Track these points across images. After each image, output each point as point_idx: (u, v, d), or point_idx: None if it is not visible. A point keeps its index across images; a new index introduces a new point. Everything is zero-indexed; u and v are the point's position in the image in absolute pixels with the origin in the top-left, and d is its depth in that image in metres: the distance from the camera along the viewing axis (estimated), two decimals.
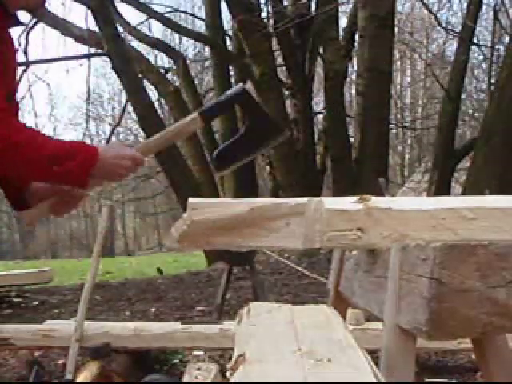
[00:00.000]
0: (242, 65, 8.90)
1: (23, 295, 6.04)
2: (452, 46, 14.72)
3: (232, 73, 9.84)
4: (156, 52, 14.91)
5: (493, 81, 8.93)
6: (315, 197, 1.17)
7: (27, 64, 9.43)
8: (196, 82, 11.89)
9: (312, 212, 1.13)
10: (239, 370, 1.01)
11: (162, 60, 16.30)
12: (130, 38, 9.88)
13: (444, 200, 1.22)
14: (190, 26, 13.80)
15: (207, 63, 12.81)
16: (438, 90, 14.12)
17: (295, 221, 1.14)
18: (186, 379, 2.76)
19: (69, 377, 3.00)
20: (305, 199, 1.16)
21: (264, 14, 9.35)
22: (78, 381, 2.94)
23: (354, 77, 11.00)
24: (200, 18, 11.90)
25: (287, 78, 9.57)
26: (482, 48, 10.39)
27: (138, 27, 10.24)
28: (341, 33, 9.28)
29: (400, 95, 19.01)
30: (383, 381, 0.99)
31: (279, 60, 9.77)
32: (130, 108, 11.38)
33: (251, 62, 8.41)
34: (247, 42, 8.28)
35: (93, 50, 9.90)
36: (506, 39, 9.45)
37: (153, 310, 5.21)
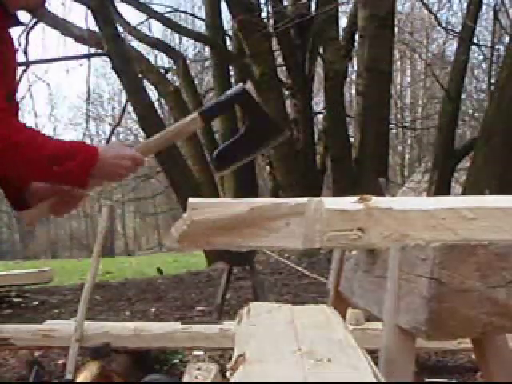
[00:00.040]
0: (242, 65, 8.90)
1: (23, 295, 6.04)
2: (452, 46, 14.74)
3: (232, 73, 9.84)
4: (156, 52, 14.92)
5: (493, 81, 8.93)
6: (315, 197, 1.17)
7: (27, 64, 9.43)
8: (196, 81, 11.89)
9: (312, 212, 1.13)
10: (239, 369, 1.01)
11: (162, 60, 16.30)
12: (130, 37, 9.88)
13: (444, 200, 1.22)
14: (190, 26, 13.80)
15: (207, 63, 12.81)
16: (438, 90, 14.12)
17: (295, 221, 1.14)
18: (185, 379, 2.76)
19: (69, 377, 3.00)
20: (305, 199, 1.16)
21: (264, 14, 9.35)
22: (78, 381, 2.94)
23: (354, 77, 11.01)
24: (200, 18, 11.91)
25: (287, 77, 9.57)
26: (482, 48, 10.40)
27: (138, 27, 10.24)
28: (341, 33, 9.28)
29: (400, 95, 19.01)
30: (383, 381, 0.99)
31: (279, 60, 9.77)
32: (130, 108, 11.38)
33: (251, 62, 8.41)
34: (247, 42, 8.28)
35: (93, 50, 9.90)
36: (506, 39, 9.45)
37: (153, 309, 5.21)
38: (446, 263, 1.32)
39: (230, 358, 1.39)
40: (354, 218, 1.13)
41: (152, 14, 9.72)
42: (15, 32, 1.68)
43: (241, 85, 1.67)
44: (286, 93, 9.50)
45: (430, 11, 10.90)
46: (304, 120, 9.26)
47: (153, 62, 11.72)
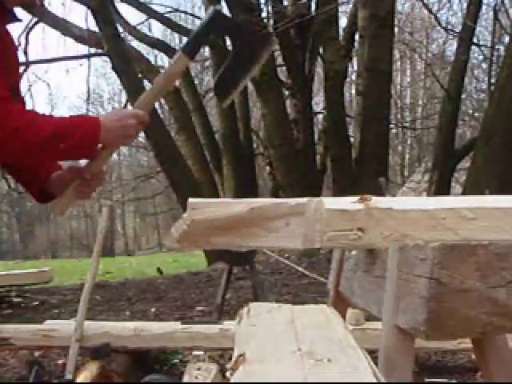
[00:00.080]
0: None
1: (23, 295, 6.04)
2: (452, 46, 14.75)
3: None
4: (156, 52, 14.93)
5: (493, 81, 8.93)
6: (315, 197, 1.17)
7: (27, 64, 9.43)
8: (196, 81, 11.89)
9: (312, 212, 1.13)
10: (239, 370, 1.01)
11: (162, 60, 16.33)
12: (130, 37, 9.88)
13: (444, 200, 1.22)
14: (189, 26, 13.78)
15: (207, 63, 12.81)
16: (438, 90, 14.12)
17: (295, 221, 1.14)
18: (185, 379, 2.76)
19: (69, 377, 3.00)
20: (305, 199, 1.15)
21: (264, 14, 9.35)
22: (78, 381, 2.94)
23: (354, 77, 11.01)
24: (200, 18, 11.90)
25: (287, 78, 9.58)
26: (482, 48, 10.40)
27: (138, 27, 10.24)
28: (341, 33, 9.28)
29: (400, 95, 19.00)
30: (383, 381, 0.99)
31: (279, 60, 9.77)
32: (129, 108, 11.37)
33: None
34: None
35: (93, 50, 9.90)
36: (506, 39, 9.45)
37: (153, 310, 5.21)
38: (446, 263, 1.32)
39: (230, 358, 1.39)
40: (354, 217, 1.13)
41: (152, 14, 9.73)
42: (15, 31, 1.69)
43: (212, 8, 1.63)
44: (286, 93, 9.50)
45: (430, 11, 10.90)
46: (304, 120, 9.26)
47: (153, 62, 11.73)
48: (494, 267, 1.33)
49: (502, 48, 10.23)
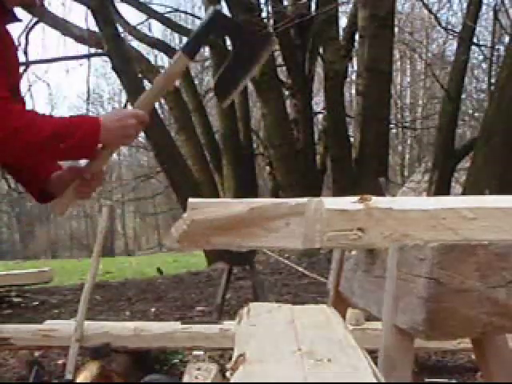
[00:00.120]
0: None
1: (23, 295, 6.04)
2: (452, 46, 14.75)
3: None
4: (156, 52, 14.93)
5: (493, 81, 8.93)
6: (315, 197, 1.17)
7: (27, 64, 9.43)
8: (196, 81, 11.89)
9: (312, 212, 1.13)
10: (239, 370, 1.01)
11: (162, 60, 16.33)
12: (130, 37, 9.88)
13: (444, 200, 1.21)
14: (189, 26, 13.79)
15: (207, 63, 12.81)
16: (438, 90, 14.12)
17: (295, 221, 1.14)
18: (185, 379, 2.76)
19: (69, 377, 3.00)
20: (305, 199, 1.15)
21: (264, 14, 9.35)
22: (78, 381, 2.94)
23: (354, 77, 11.01)
24: (200, 18, 11.90)
25: (287, 78, 9.58)
26: (482, 48, 10.40)
27: (138, 27, 10.24)
28: (341, 33, 9.28)
29: (400, 95, 19.00)
30: (383, 381, 0.99)
31: (279, 60, 9.77)
32: (130, 108, 11.37)
33: None
34: None
35: (93, 50, 9.90)
36: (506, 39, 9.45)
37: (153, 310, 5.21)
38: (445, 263, 1.32)
39: (230, 358, 1.39)
40: (354, 217, 1.13)
41: (152, 14, 9.73)
42: (15, 31, 1.69)
43: (212, 8, 1.63)
44: (286, 93, 9.50)
45: (430, 11, 10.90)
46: (304, 120, 9.26)
47: (153, 62, 11.73)
48: (494, 267, 1.33)
49: (502, 48, 10.24)
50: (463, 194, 6.93)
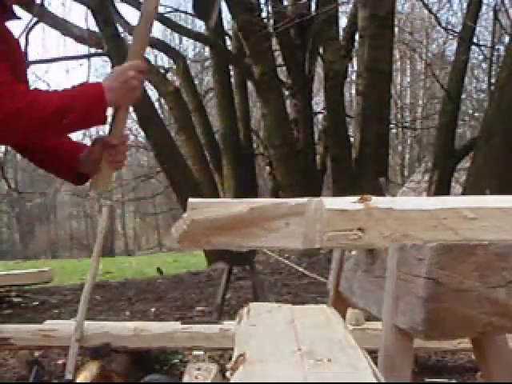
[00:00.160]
0: (242, 65, 8.90)
1: (23, 295, 6.04)
2: (452, 46, 14.73)
3: (232, 73, 9.84)
4: (156, 52, 14.92)
5: (493, 81, 8.93)
6: (315, 197, 1.17)
7: (27, 64, 9.41)
8: (196, 81, 11.89)
9: (312, 212, 1.13)
10: (239, 370, 1.01)
11: (162, 60, 16.32)
12: (130, 38, 9.87)
13: (445, 200, 1.21)
14: (189, 26, 13.80)
15: (207, 63, 12.81)
16: (438, 90, 14.12)
17: (295, 221, 1.14)
18: (185, 379, 2.76)
19: (69, 377, 2.99)
20: (305, 199, 1.15)
21: (264, 14, 9.35)
22: (78, 381, 2.94)
23: (354, 77, 11.01)
24: None
25: (287, 78, 9.58)
26: (482, 48, 10.39)
27: None
28: (341, 33, 9.28)
29: (400, 95, 18.99)
30: (383, 381, 0.99)
31: (279, 60, 9.77)
32: (130, 108, 11.36)
33: (251, 62, 8.41)
34: (247, 41, 8.28)
35: (93, 50, 9.89)
36: (506, 39, 9.44)
37: (153, 310, 5.21)
38: (443, 263, 1.32)
39: (230, 358, 1.39)
40: (354, 218, 1.13)
41: None
42: (15, 31, 1.71)
43: None
44: (286, 93, 9.50)
45: (430, 11, 10.90)
46: (304, 120, 9.26)
47: (153, 62, 11.72)
48: (494, 267, 1.33)
49: (502, 48, 10.24)
50: (463, 193, 6.93)
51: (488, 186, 6.16)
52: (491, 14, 10.01)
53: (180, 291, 6.13)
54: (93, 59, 11.28)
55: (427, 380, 3.10)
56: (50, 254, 25.85)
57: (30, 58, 9.67)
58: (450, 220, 1.14)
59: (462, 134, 15.76)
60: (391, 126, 11.98)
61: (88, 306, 3.26)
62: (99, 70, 21.84)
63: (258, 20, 8.34)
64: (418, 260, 1.37)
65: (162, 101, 11.12)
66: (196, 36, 10.69)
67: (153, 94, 10.33)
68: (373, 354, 1.37)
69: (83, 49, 13.25)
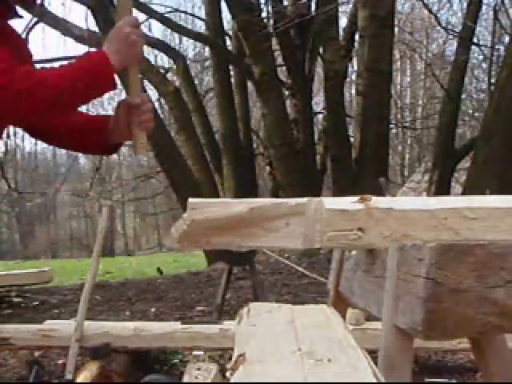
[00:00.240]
0: (242, 65, 8.90)
1: (23, 295, 6.03)
2: (452, 46, 14.73)
3: (232, 73, 9.85)
4: (156, 52, 14.91)
5: (493, 81, 8.93)
6: (315, 197, 1.17)
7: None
8: (196, 81, 11.89)
9: (312, 212, 1.13)
10: (239, 370, 1.01)
11: (162, 60, 16.31)
12: None
13: (445, 200, 1.21)
14: (189, 26, 13.79)
15: (207, 63, 12.80)
16: (438, 90, 14.12)
17: (295, 221, 1.14)
18: (185, 379, 2.76)
19: (69, 377, 3.00)
20: (305, 199, 1.15)
21: (264, 14, 9.35)
22: (78, 381, 2.94)
23: (354, 77, 11.01)
24: (200, 18, 11.89)
25: (287, 78, 9.57)
26: (482, 48, 10.39)
27: None
28: (341, 33, 9.28)
29: (400, 95, 18.99)
30: (383, 381, 0.99)
31: (279, 60, 9.77)
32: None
33: (251, 62, 8.41)
34: (247, 41, 8.28)
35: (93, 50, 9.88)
36: (506, 39, 9.45)
37: (153, 310, 5.21)
38: (443, 263, 1.32)
39: (230, 358, 1.39)
40: (354, 218, 1.13)
41: (152, 13, 9.71)
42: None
43: None
44: (286, 93, 9.50)
45: (430, 11, 10.90)
46: (304, 120, 9.26)
47: (153, 62, 11.72)
48: (493, 267, 1.33)
49: (502, 48, 10.24)
50: (463, 194, 6.93)
51: (488, 186, 6.17)
52: (491, 13, 10.02)
53: (180, 291, 6.13)
54: None
55: (427, 380, 3.10)
56: (50, 254, 25.84)
57: None
58: (450, 220, 1.14)
59: (462, 134, 15.75)
60: (391, 126, 11.97)
61: (88, 305, 3.26)
62: None
63: (258, 20, 8.34)
64: (418, 260, 1.37)
65: (162, 101, 11.11)
66: (196, 36, 10.68)
67: (153, 94, 10.35)
68: (373, 353, 1.37)
69: (83, 49, 13.24)
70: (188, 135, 9.14)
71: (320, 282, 5.15)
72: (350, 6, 9.94)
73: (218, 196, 8.89)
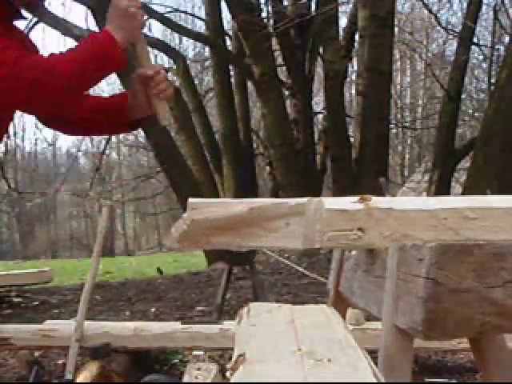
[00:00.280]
0: (242, 65, 8.90)
1: (23, 295, 6.03)
2: (452, 46, 14.74)
3: (232, 73, 9.85)
4: (156, 52, 14.89)
5: (493, 81, 8.94)
6: (315, 197, 1.17)
7: None
8: (196, 81, 11.89)
9: (312, 212, 1.13)
10: (239, 369, 1.01)
11: (162, 60, 16.29)
12: None
13: (445, 200, 1.21)
14: (189, 26, 13.80)
15: (207, 63, 12.80)
16: (438, 90, 14.13)
17: (295, 221, 1.14)
18: (185, 379, 2.76)
19: (69, 377, 2.99)
20: (305, 199, 1.15)
21: (264, 14, 9.35)
22: (78, 381, 2.94)
23: (354, 77, 11.01)
24: (200, 18, 11.90)
25: (287, 78, 9.58)
26: (482, 48, 10.39)
27: None
28: (341, 33, 9.28)
29: (400, 95, 19.00)
30: (383, 381, 0.99)
31: (279, 60, 9.77)
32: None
33: (251, 62, 8.41)
34: (247, 41, 8.28)
35: None
36: (506, 39, 9.45)
37: (153, 310, 5.21)
38: (442, 263, 1.32)
39: (230, 358, 1.39)
40: (354, 218, 1.13)
41: (152, 13, 9.71)
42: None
43: None
44: (286, 93, 9.50)
45: (430, 11, 10.90)
46: (304, 120, 9.26)
47: (152, 62, 11.70)
48: (492, 267, 1.33)
49: (502, 48, 10.24)
50: (463, 194, 6.94)
51: (488, 186, 6.17)
52: (491, 13, 10.02)
53: (180, 291, 6.13)
54: None
55: (427, 380, 3.10)
56: (50, 254, 25.84)
57: None
58: (450, 220, 1.14)
59: (462, 134, 15.75)
60: (391, 126, 11.98)
61: (88, 305, 3.26)
62: None
63: (258, 20, 8.34)
64: (418, 260, 1.37)
65: None
66: (196, 36, 10.68)
67: None
68: (373, 353, 1.37)
69: None
70: (188, 135, 9.14)
71: (320, 281, 5.15)
72: (350, 5, 9.95)
73: (218, 196, 8.88)
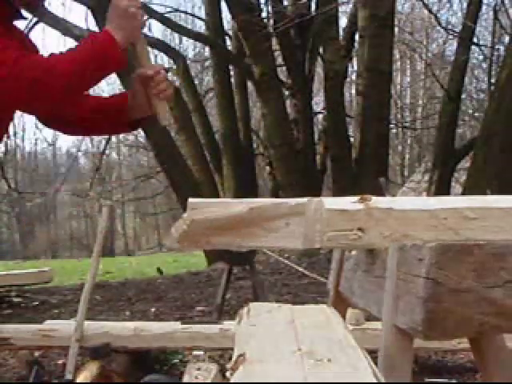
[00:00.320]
0: (242, 65, 8.90)
1: (23, 295, 6.03)
2: (452, 46, 14.74)
3: (232, 73, 9.85)
4: (156, 52, 14.89)
5: (493, 81, 8.94)
6: (315, 197, 1.17)
7: None
8: (196, 81, 11.89)
9: (312, 212, 1.13)
10: (239, 370, 1.01)
11: (162, 60, 16.30)
12: None
13: (445, 200, 1.21)
14: (189, 26, 13.80)
15: (207, 63, 12.80)
16: (438, 90, 14.13)
17: (295, 221, 1.14)
18: (185, 379, 2.76)
19: (69, 377, 2.99)
20: (305, 199, 1.15)
21: (264, 14, 9.35)
22: (78, 381, 2.94)
23: (354, 77, 11.01)
24: (200, 18, 11.90)
25: (287, 78, 9.58)
26: (482, 48, 10.39)
27: None
28: (341, 33, 9.29)
29: (400, 95, 19.00)
30: (383, 381, 0.99)
31: (279, 60, 9.77)
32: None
33: (251, 62, 8.41)
34: (247, 42, 8.28)
35: None
36: (506, 39, 9.46)
37: (153, 310, 5.21)
38: (442, 263, 1.32)
39: (230, 358, 1.39)
40: (354, 218, 1.13)
41: (152, 13, 9.71)
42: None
43: None
44: (286, 93, 9.50)
45: (430, 11, 10.90)
46: (304, 120, 9.26)
47: (153, 62, 11.70)
48: (492, 267, 1.33)
49: (502, 48, 10.25)
50: (463, 194, 6.94)
51: (488, 186, 6.17)
52: (491, 13, 10.02)
53: (180, 291, 6.13)
54: None
55: (427, 380, 3.10)
56: (50, 254, 25.84)
57: None
58: (450, 220, 1.14)
59: (462, 134, 15.76)
60: (391, 126, 11.98)
61: (88, 305, 3.26)
62: None
63: (258, 20, 8.34)
64: (418, 260, 1.37)
65: None
66: (196, 36, 10.68)
67: None
68: (373, 353, 1.37)
69: None
70: (188, 135, 9.14)
71: (320, 281, 5.15)
72: (350, 5, 9.95)
73: (218, 196, 8.88)
